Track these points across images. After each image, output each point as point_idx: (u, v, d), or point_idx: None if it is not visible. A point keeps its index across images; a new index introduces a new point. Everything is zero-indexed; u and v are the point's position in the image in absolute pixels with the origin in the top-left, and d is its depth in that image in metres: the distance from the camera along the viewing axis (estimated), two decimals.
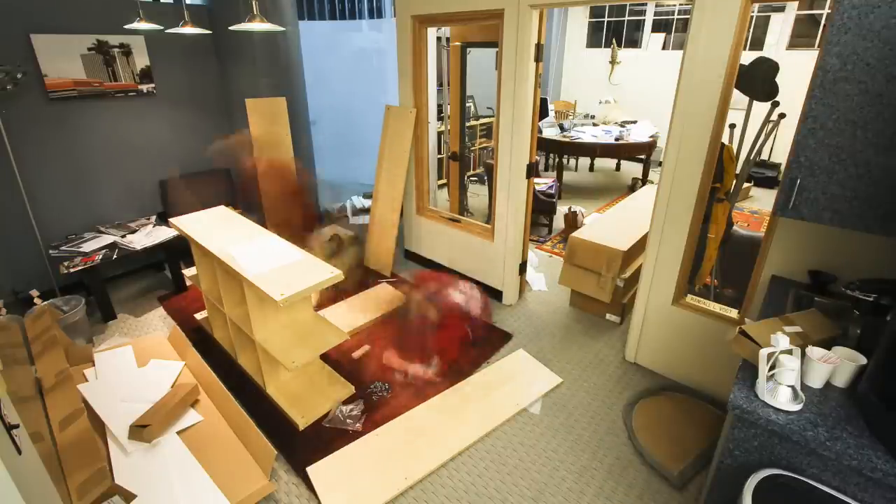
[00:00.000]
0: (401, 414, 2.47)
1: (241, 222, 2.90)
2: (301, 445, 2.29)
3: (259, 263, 2.31)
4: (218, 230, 2.74)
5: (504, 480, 2.13)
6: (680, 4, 6.96)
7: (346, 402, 2.51)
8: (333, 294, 3.51)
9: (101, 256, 3.19)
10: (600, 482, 2.13)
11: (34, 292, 3.14)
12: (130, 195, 3.80)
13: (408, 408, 2.52)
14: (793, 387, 1.37)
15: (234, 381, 2.70)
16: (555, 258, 4.30)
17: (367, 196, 5.73)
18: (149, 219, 3.82)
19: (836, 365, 1.43)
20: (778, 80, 2.67)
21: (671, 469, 2.12)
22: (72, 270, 3.05)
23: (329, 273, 2.22)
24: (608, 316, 3.33)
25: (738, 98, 2.36)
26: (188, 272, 3.11)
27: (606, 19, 7.81)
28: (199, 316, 3.31)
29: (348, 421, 2.39)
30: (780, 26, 6.08)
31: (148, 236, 3.50)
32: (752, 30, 6.07)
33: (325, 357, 2.77)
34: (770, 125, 2.74)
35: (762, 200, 5.87)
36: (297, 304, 2.56)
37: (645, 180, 6.21)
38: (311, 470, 2.14)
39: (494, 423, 2.42)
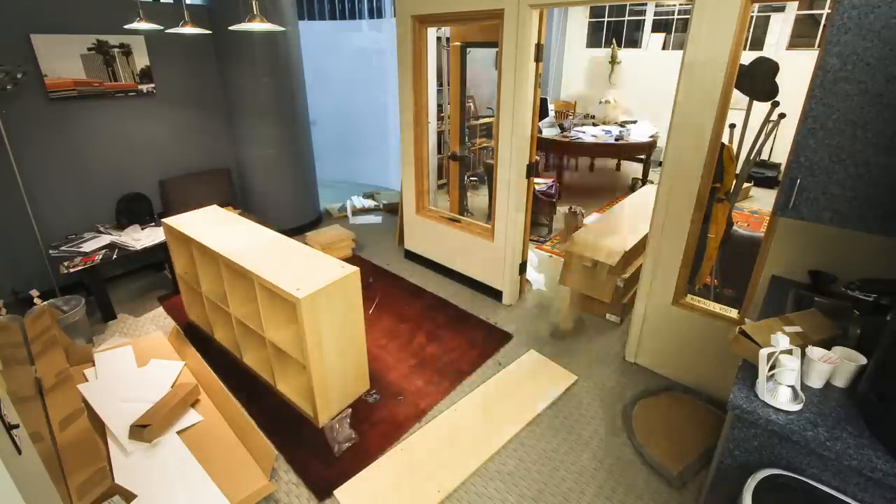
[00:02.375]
0: (412, 421, 2.45)
1: (237, 221, 2.93)
2: (305, 445, 2.29)
3: (268, 261, 2.35)
4: (216, 230, 2.76)
5: (504, 480, 2.13)
6: (680, 4, 6.96)
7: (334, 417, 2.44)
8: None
9: (100, 256, 3.19)
10: (600, 482, 2.13)
11: (34, 292, 3.14)
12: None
13: (417, 415, 2.49)
14: (793, 387, 1.37)
15: (235, 380, 2.71)
16: (555, 258, 4.30)
17: (367, 196, 5.74)
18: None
19: (836, 365, 1.43)
20: (778, 80, 2.67)
21: (671, 469, 2.12)
22: (72, 270, 3.05)
23: (340, 269, 2.27)
24: (608, 316, 3.32)
25: (738, 98, 2.36)
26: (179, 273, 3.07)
27: (606, 19, 7.81)
28: (192, 316, 3.25)
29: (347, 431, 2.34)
30: (780, 26, 6.08)
31: (148, 236, 3.50)
32: (752, 30, 6.07)
33: None
34: (770, 125, 2.74)
35: (762, 200, 5.87)
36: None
37: (645, 180, 6.21)
38: (338, 492, 2.07)
39: (521, 424, 2.42)
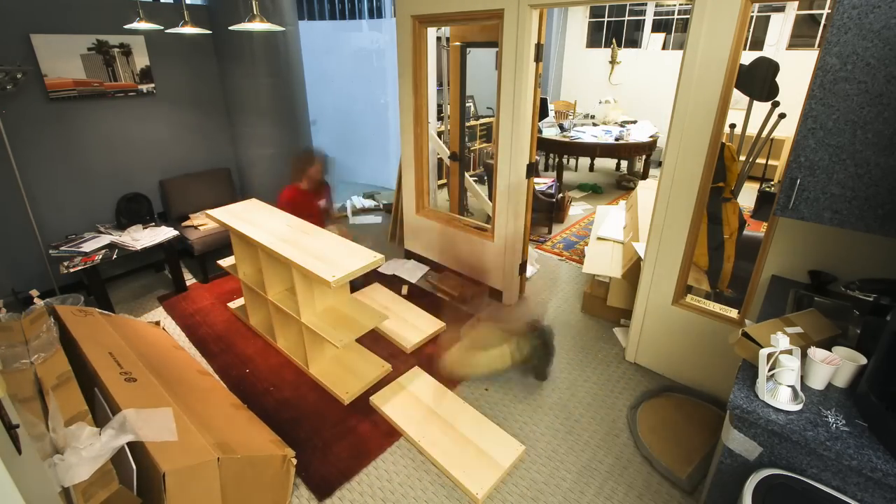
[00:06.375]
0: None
1: (271, 212, 3.00)
2: (304, 445, 2.30)
3: (303, 249, 2.46)
4: (255, 220, 2.85)
5: (504, 480, 2.13)
6: (680, 4, 6.96)
7: None
8: None
9: (100, 256, 3.19)
10: (600, 482, 2.13)
11: (34, 292, 3.14)
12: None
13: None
14: (793, 387, 1.37)
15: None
16: (554, 258, 4.30)
17: (368, 196, 5.74)
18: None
19: (837, 366, 1.43)
20: (778, 80, 2.68)
21: (679, 475, 2.11)
22: (72, 270, 3.05)
23: (371, 257, 2.38)
24: (623, 321, 3.25)
25: (738, 98, 2.36)
26: (225, 262, 3.17)
27: (606, 19, 7.80)
28: (232, 305, 3.43)
29: None
30: (780, 26, 6.08)
31: (148, 236, 3.49)
32: (752, 30, 6.07)
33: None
34: (770, 125, 2.75)
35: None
36: (339, 289, 2.73)
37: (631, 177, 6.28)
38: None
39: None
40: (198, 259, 3.71)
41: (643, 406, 2.53)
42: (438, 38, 4.16)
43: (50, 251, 3.25)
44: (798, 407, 1.35)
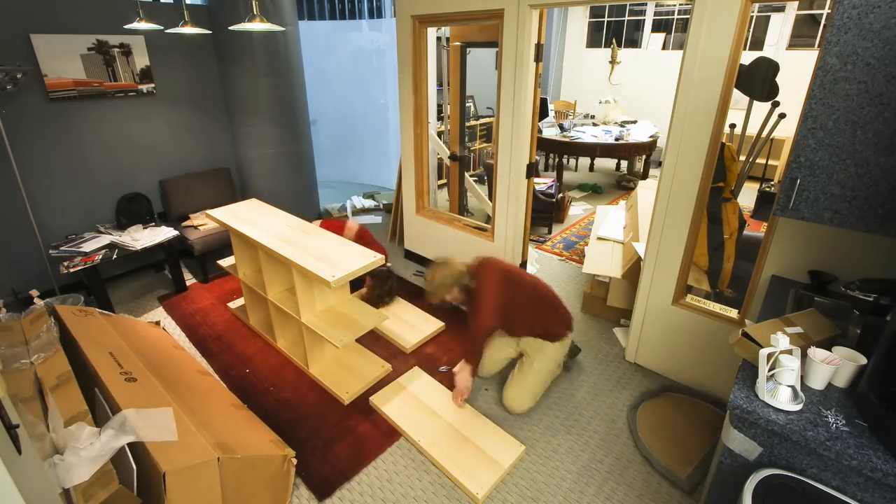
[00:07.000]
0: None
1: (271, 212, 3.01)
2: (304, 446, 2.30)
3: (303, 249, 2.48)
4: (255, 220, 2.86)
5: (504, 480, 2.13)
6: (680, 4, 6.96)
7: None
8: None
9: (100, 256, 3.19)
10: (600, 482, 2.13)
11: (34, 292, 3.14)
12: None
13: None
14: (793, 387, 1.37)
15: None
16: (554, 258, 4.29)
17: (368, 196, 5.74)
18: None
19: (837, 366, 1.43)
20: (778, 80, 2.68)
21: (679, 475, 2.11)
22: (72, 270, 3.05)
23: (372, 257, 2.40)
24: (623, 321, 3.26)
25: (738, 98, 2.36)
26: (225, 262, 3.18)
27: (606, 19, 7.81)
28: (232, 305, 3.44)
29: None
30: (780, 26, 6.08)
31: (148, 236, 3.49)
32: (752, 30, 6.07)
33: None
34: (770, 125, 2.75)
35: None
36: (339, 289, 2.73)
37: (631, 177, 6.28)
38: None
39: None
40: (198, 259, 3.71)
41: (643, 406, 2.53)
42: (438, 38, 4.16)
43: (50, 251, 3.25)
44: (798, 407, 1.35)
